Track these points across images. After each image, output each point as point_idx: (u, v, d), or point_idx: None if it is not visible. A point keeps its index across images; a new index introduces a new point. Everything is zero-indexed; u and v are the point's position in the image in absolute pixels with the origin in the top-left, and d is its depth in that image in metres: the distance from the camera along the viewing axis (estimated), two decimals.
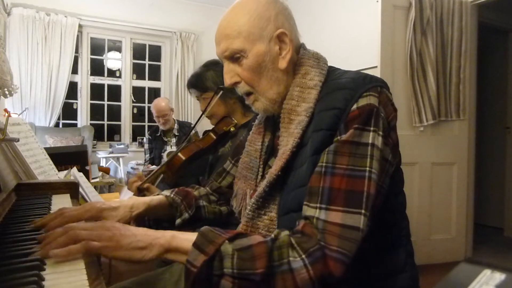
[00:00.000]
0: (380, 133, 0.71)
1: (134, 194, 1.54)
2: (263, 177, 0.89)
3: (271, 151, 0.91)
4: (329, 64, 0.87)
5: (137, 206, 0.92)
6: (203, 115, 1.52)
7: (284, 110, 0.82)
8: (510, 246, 3.54)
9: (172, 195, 1.00)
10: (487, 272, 0.27)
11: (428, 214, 2.89)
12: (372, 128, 0.71)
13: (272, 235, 0.67)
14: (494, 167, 4.09)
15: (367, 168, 0.69)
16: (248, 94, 0.86)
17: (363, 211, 0.66)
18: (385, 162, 0.72)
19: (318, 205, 0.68)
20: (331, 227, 0.65)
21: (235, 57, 0.83)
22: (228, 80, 0.86)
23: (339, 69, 0.86)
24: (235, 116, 1.54)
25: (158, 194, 1.01)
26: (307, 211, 0.69)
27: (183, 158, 1.52)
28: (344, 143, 0.70)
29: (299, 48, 0.88)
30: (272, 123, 0.92)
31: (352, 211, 0.66)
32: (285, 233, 0.68)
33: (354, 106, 0.72)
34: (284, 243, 0.65)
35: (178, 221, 0.99)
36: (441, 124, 2.92)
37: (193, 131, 1.65)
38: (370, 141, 0.70)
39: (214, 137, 1.56)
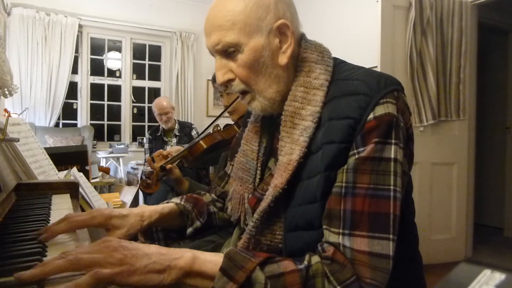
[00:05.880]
0: (401, 145, 0.65)
1: (155, 171, 1.56)
2: (261, 180, 0.83)
3: (270, 151, 0.84)
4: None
5: (149, 215, 0.83)
6: (225, 110, 1.57)
7: (286, 112, 0.74)
8: (510, 246, 3.54)
9: (182, 203, 0.91)
10: (487, 272, 0.27)
11: (428, 214, 2.89)
12: (393, 141, 0.64)
13: (305, 262, 0.62)
14: (494, 167, 4.09)
15: (391, 187, 0.63)
16: (244, 92, 0.77)
17: (390, 235, 0.61)
18: (403, 175, 0.67)
19: (340, 230, 0.63)
20: (360, 256, 0.61)
21: (228, 52, 0.73)
22: (220, 77, 0.75)
23: (344, 61, 0.79)
24: None
25: (168, 202, 0.93)
26: (330, 236, 0.64)
27: (205, 146, 1.57)
28: (365, 160, 0.63)
29: (300, 40, 0.79)
30: (270, 122, 0.83)
31: (378, 236, 0.61)
32: (316, 259, 0.63)
33: (371, 116, 0.64)
34: (317, 272, 0.61)
35: (189, 230, 0.91)
36: (441, 124, 2.92)
37: (209, 129, 1.69)
38: (392, 156, 0.64)
39: (238, 129, 1.59)
